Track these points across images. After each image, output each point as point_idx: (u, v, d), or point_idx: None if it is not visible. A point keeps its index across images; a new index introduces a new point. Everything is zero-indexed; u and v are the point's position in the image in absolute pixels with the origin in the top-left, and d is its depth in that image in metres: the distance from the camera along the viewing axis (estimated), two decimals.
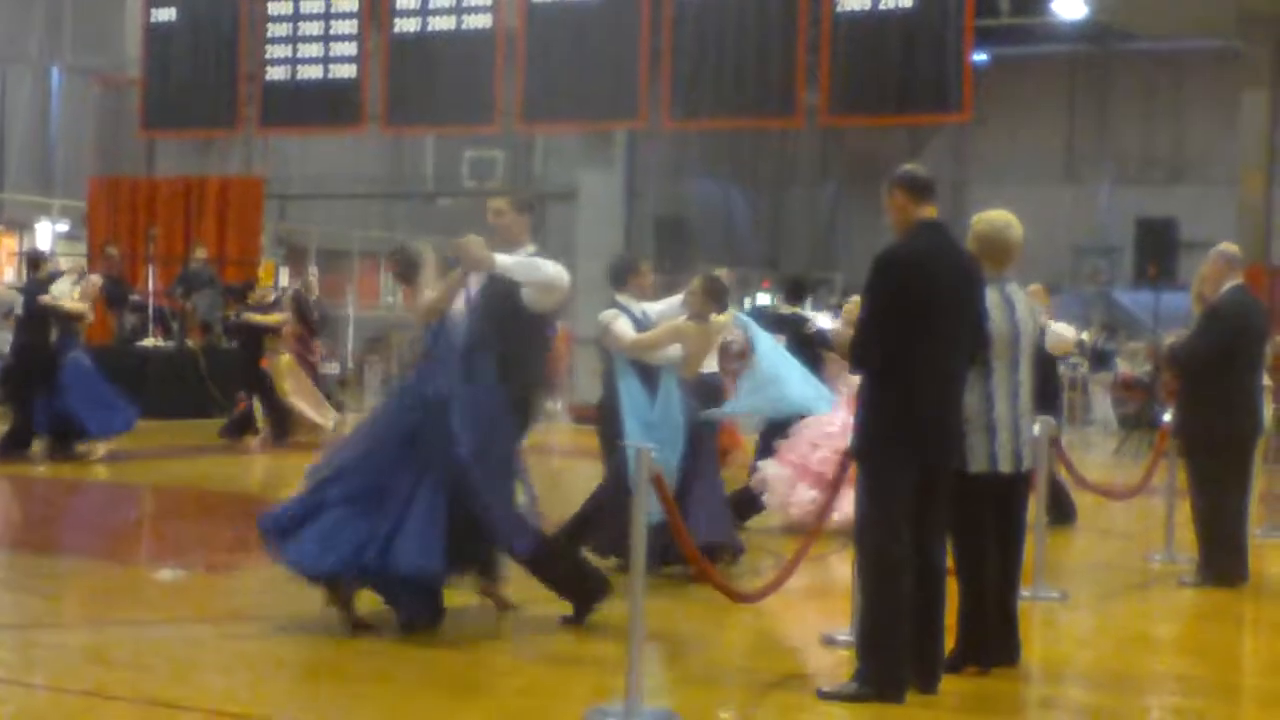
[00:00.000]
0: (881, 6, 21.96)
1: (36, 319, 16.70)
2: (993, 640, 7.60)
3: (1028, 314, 7.62)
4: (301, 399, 19.68)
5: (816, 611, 9.49)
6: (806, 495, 12.23)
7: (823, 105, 22.66)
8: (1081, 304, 35.45)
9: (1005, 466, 7.45)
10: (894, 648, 6.96)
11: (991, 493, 7.50)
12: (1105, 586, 11.06)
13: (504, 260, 8.70)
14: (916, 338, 6.98)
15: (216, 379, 22.23)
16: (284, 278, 28.41)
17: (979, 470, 7.41)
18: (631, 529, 6.82)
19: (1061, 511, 13.26)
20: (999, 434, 7.42)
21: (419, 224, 37.40)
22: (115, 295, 22.67)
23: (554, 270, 8.59)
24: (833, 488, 8.65)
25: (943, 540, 7.27)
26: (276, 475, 16.79)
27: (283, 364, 19.58)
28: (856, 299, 11.40)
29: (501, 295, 8.57)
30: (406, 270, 9.47)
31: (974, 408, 7.38)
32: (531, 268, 8.66)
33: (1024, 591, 8.21)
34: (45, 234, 30.54)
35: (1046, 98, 38.73)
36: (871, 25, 22.02)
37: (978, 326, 7.27)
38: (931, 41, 21.74)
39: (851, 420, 10.28)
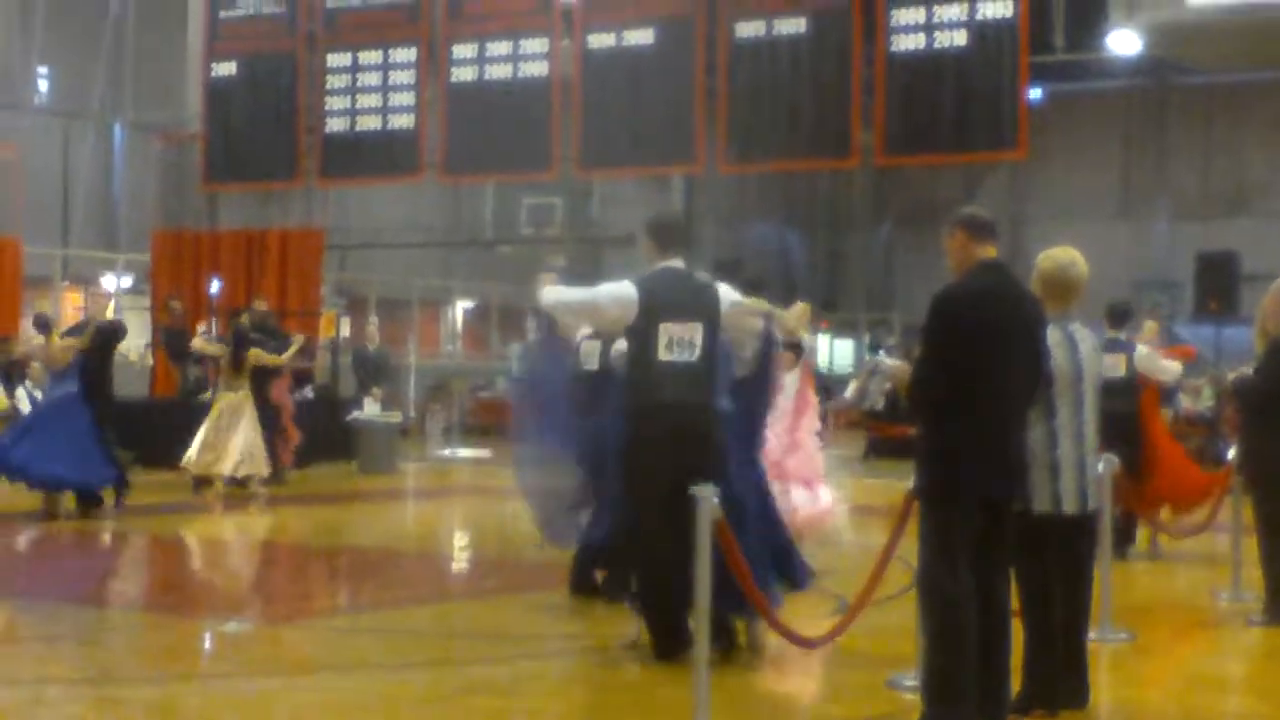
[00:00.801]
0: (936, 46, 22.01)
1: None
2: (1060, 682, 7.55)
3: (1091, 352, 7.60)
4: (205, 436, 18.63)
5: (881, 655, 9.46)
6: (801, 497, 12.14)
7: (878, 146, 22.70)
8: None
9: (1070, 507, 7.41)
10: (960, 691, 6.91)
11: (1056, 533, 7.46)
12: (1173, 627, 10.98)
13: None
14: (976, 377, 6.96)
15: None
16: (345, 328, 28.62)
17: (1043, 510, 7.37)
18: (696, 579, 6.83)
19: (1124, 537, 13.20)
20: (1063, 473, 7.38)
21: (478, 272, 37.70)
22: (178, 348, 22.87)
23: None
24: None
25: (1007, 580, 7.23)
26: (338, 526, 16.88)
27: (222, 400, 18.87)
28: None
29: None
30: None
31: (1038, 447, 7.35)
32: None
33: (1091, 633, 8.16)
34: (110, 289, 30.86)
35: (1103, 133, 38.61)
36: (926, 65, 22.06)
37: (1038, 365, 7.24)
38: (986, 80, 21.76)
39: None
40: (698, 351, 8.68)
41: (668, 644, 8.65)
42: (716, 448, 8.63)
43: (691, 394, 8.67)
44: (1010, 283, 7.25)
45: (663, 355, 8.65)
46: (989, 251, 7.22)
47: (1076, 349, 7.51)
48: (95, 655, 9.53)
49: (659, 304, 8.74)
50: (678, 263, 9.00)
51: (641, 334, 8.76)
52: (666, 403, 8.62)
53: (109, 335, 16.72)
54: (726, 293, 9.08)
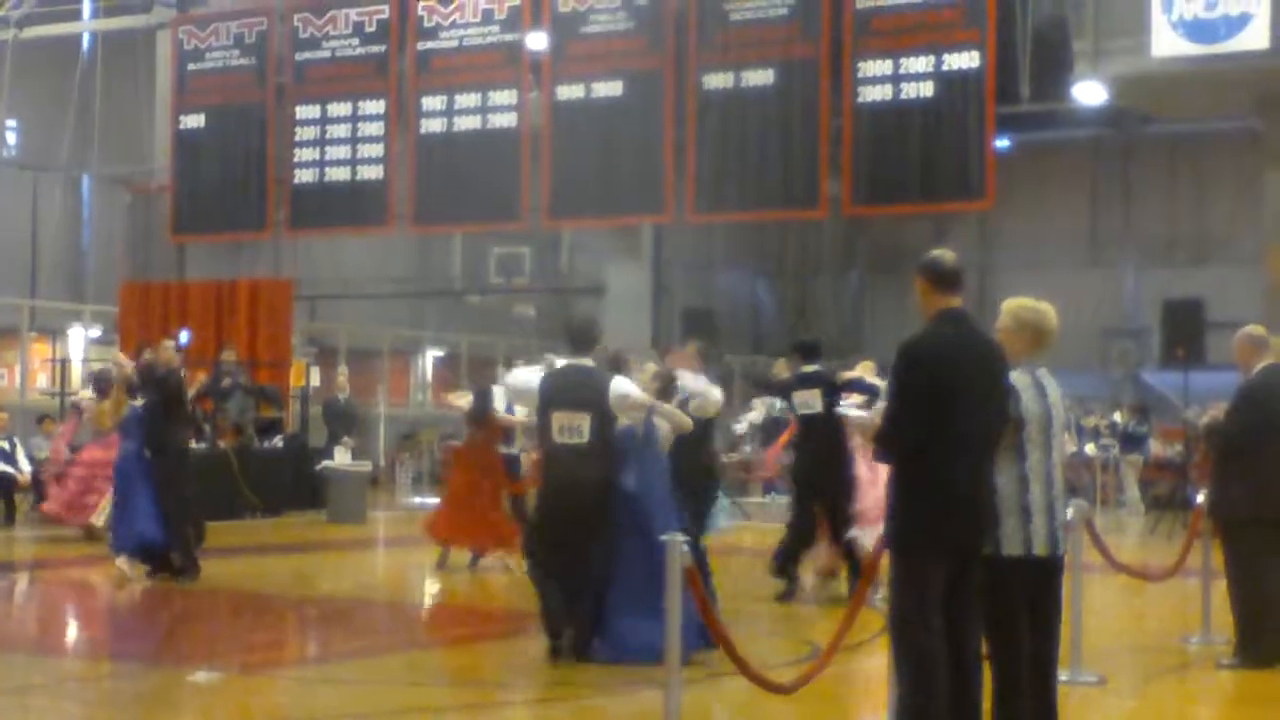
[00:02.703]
0: (903, 96, 22.17)
1: None
2: None
3: (1058, 398, 7.64)
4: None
5: (853, 700, 9.48)
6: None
7: (846, 196, 22.83)
8: (1110, 386, 35.37)
9: (1040, 550, 7.42)
10: None
11: (1026, 576, 7.47)
12: (1143, 670, 11.01)
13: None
14: (942, 426, 7.01)
15: (249, 480, 22.34)
16: (315, 377, 28.58)
17: (1013, 554, 7.38)
18: (668, 625, 6.85)
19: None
20: (1034, 517, 7.40)
21: (448, 322, 37.71)
22: None
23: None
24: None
25: (976, 625, 7.25)
26: (308, 575, 16.82)
27: None
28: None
29: None
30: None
31: (1007, 490, 7.37)
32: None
33: (1061, 675, 8.18)
34: (78, 340, 30.78)
35: (1069, 182, 38.80)
36: (893, 115, 22.22)
37: (1003, 412, 7.29)
38: (953, 130, 21.92)
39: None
40: (585, 436, 10.48)
41: (552, 648, 10.53)
42: (597, 511, 10.49)
43: (578, 469, 10.50)
44: (972, 331, 7.30)
45: (556, 439, 10.56)
46: (952, 301, 7.27)
47: (1044, 394, 7.55)
48: (64, 707, 9.48)
49: (552, 397, 10.64)
50: (585, 361, 10.79)
51: (542, 420, 10.74)
52: (559, 475, 10.61)
53: (168, 386, 15.46)
54: (616, 386, 10.67)
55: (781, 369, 15.59)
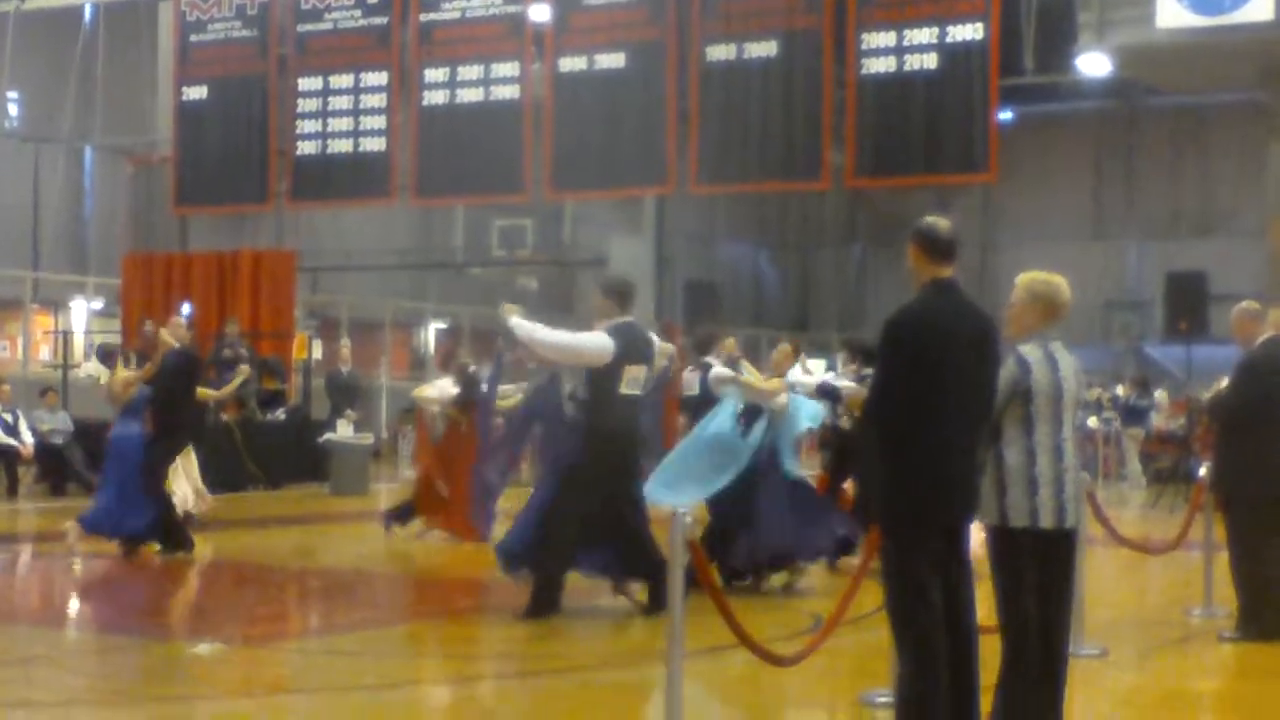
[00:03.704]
0: (906, 69, 22.12)
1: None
2: (1033, 698, 7.56)
3: (1071, 372, 7.56)
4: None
5: (854, 672, 9.49)
6: None
7: (849, 167, 22.80)
8: (1113, 359, 35.39)
9: (1047, 522, 7.36)
10: (933, 713, 6.93)
11: (1033, 548, 7.42)
12: (1145, 643, 11.02)
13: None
14: (928, 400, 6.94)
15: (252, 452, 22.36)
16: (317, 350, 28.59)
17: (1020, 525, 7.34)
18: (670, 600, 6.86)
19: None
20: (1040, 489, 7.34)
21: (450, 294, 37.71)
22: None
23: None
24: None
25: (969, 597, 7.23)
26: (311, 547, 16.84)
27: None
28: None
29: None
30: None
31: (1015, 462, 7.31)
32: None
33: None
34: (80, 312, 30.78)
35: (1073, 154, 38.80)
36: (896, 87, 22.17)
37: (992, 385, 7.23)
38: (956, 102, 21.88)
39: None
40: (640, 388, 11.42)
41: (549, 605, 11.21)
42: (640, 457, 11.80)
43: (636, 418, 11.45)
44: (961, 302, 7.19)
45: (623, 390, 11.25)
46: (944, 271, 7.17)
47: (1056, 367, 7.47)
48: (67, 679, 9.49)
49: (628, 351, 11.32)
50: (630, 318, 11.68)
51: (609, 374, 11.23)
52: (622, 426, 11.29)
53: (182, 366, 15.28)
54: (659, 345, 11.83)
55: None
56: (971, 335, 7.13)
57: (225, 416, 22.67)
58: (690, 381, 15.08)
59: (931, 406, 6.95)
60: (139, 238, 29.32)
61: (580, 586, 11.76)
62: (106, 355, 15.91)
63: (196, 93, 27.11)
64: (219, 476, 21.55)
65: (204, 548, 16.37)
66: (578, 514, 11.21)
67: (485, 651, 10.43)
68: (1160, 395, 28.95)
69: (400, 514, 17.25)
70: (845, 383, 13.40)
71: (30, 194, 31.16)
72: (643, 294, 25.29)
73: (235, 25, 26.90)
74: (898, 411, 6.98)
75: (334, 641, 11.11)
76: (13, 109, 32.46)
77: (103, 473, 15.74)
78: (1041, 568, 7.44)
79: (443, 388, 17.02)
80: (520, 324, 11.57)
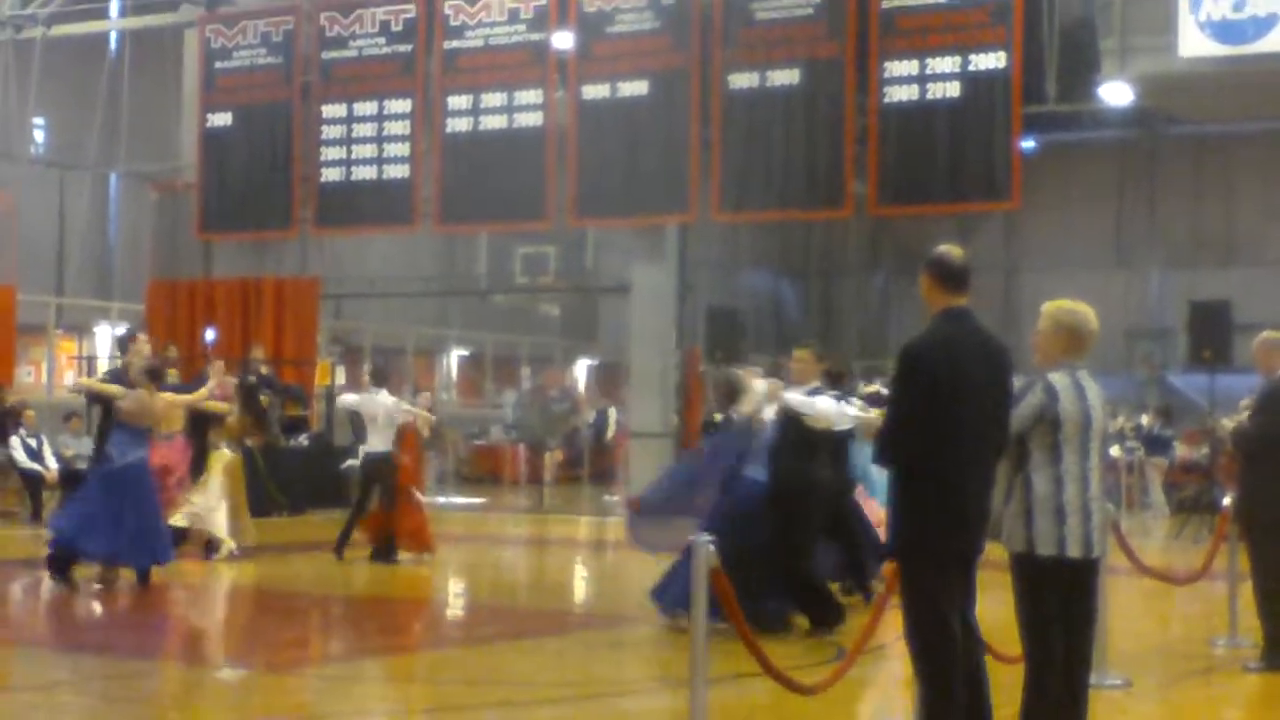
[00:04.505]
0: (929, 97, 22.15)
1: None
2: None
3: (1099, 401, 7.53)
4: (218, 508, 17.36)
5: (876, 702, 9.48)
6: None
7: (871, 196, 22.80)
8: (1135, 388, 35.29)
9: (1074, 551, 7.32)
10: None
11: (1060, 577, 7.37)
12: (1169, 673, 10.99)
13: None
14: (942, 429, 6.92)
15: (275, 478, 22.40)
16: (340, 376, 28.64)
17: (1046, 553, 7.29)
18: (693, 628, 6.86)
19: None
20: (1068, 518, 7.29)
21: (473, 320, 37.76)
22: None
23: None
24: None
25: (974, 626, 7.19)
26: (333, 573, 16.85)
27: (222, 460, 17.73)
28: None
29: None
30: (731, 394, 12.98)
31: (1043, 490, 7.27)
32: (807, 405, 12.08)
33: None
34: (104, 337, 30.87)
35: (1095, 183, 38.71)
36: (919, 116, 22.19)
37: (1006, 414, 7.20)
38: (979, 130, 21.89)
39: None
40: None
41: (834, 614, 11.95)
42: None
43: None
44: (974, 331, 7.17)
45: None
46: (958, 300, 7.16)
47: (1084, 396, 7.44)
48: (90, 703, 9.52)
49: None
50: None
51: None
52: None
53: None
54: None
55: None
56: (986, 364, 7.11)
57: (249, 442, 22.69)
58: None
59: (946, 436, 6.92)
60: (163, 264, 29.38)
61: (606, 611, 11.77)
62: (154, 374, 16.00)
63: (221, 119, 27.24)
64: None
65: (228, 574, 16.43)
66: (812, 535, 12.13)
67: (507, 678, 10.42)
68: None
69: (385, 552, 17.28)
70: (857, 411, 13.36)
71: (56, 220, 31.26)
72: (665, 321, 25.38)
73: (260, 53, 27.03)
74: (912, 441, 6.97)
75: (357, 668, 11.13)
76: (39, 135, 32.60)
77: (91, 486, 15.20)
78: (1066, 597, 7.40)
79: None
80: (799, 400, 12.05)
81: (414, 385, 19.45)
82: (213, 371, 18.16)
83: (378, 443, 17.57)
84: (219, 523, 17.27)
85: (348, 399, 19.25)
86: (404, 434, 17.85)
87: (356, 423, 23.75)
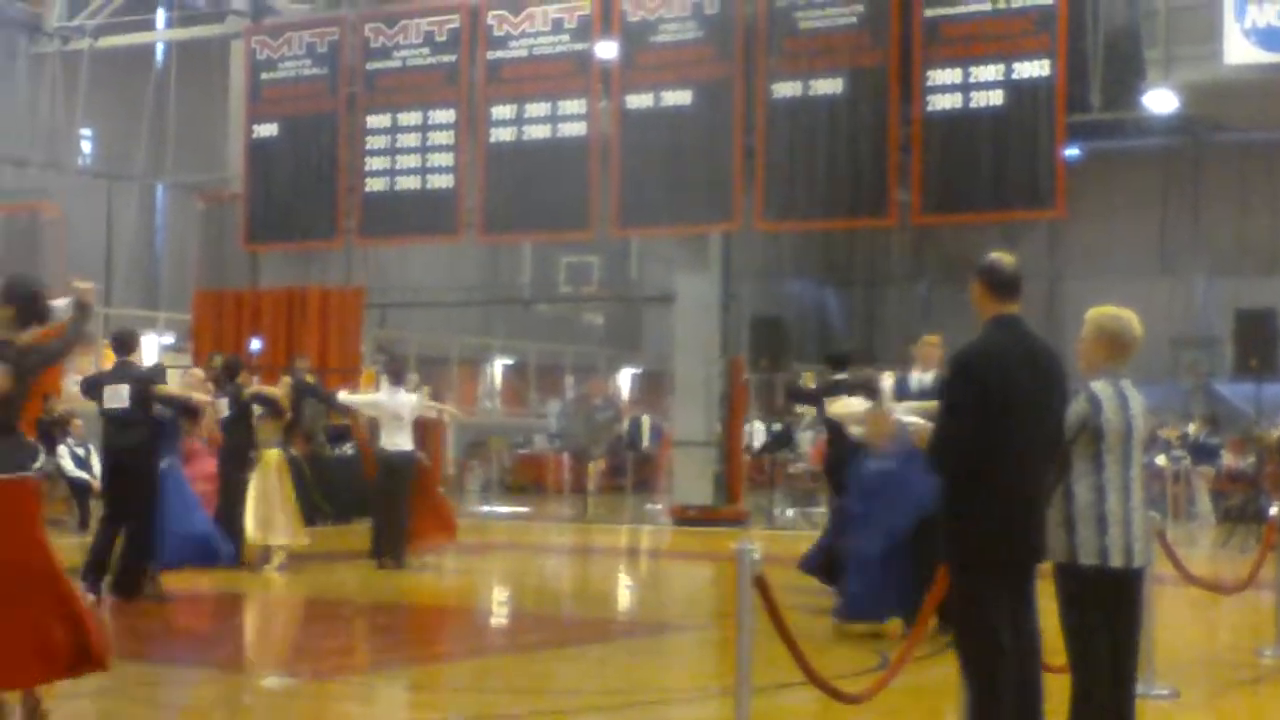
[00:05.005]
0: (973, 105, 22.12)
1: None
2: None
3: (1140, 409, 7.51)
4: (262, 510, 17.21)
5: (922, 711, 9.47)
6: None
7: (915, 205, 22.78)
8: (1181, 397, 35.11)
9: (1116, 561, 7.29)
10: None
11: (1103, 586, 7.35)
12: (1216, 683, 10.94)
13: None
14: (994, 437, 6.89)
15: (322, 487, 22.49)
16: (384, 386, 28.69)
17: (1089, 563, 7.27)
18: (739, 636, 6.87)
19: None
20: (1110, 528, 7.27)
21: (517, 330, 37.85)
22: None
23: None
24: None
25: (1035, 636, 7.16)
26: (378, 581, 16.91)
27: (270, 459, 17.56)
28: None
29: None
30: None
31: (1085, 499, 7.24)
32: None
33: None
34: (151, 347, 31.05)
35: (1140, 190, 38.54)
36: (963, 124, 22.17)
37: (1060, 422, 7.18)
38: (1023, 139, 21.84)
39: None
40: None
41: None
42: None
43: None
44: (1028, 338, 7.15)
45: None
46: (1009, 307, 7.15)
47: (1127, 405, 7.41)
48: (136, 710, 9.59)
49: None
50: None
51: None
52: None
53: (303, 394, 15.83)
54: None
55: (810, 380, 16.65)
56: (1037, 372, 7.08)
57: (294, 451, 22.79)
58: None
59: (997, 445, 6.90)
60: (210, 274, 29.56)
61: (649, 620, 11.79)
62: (234, 368, 16.43)
63: (267, 130, 27.40)
64: None
65: (275, 582, 16.50)
66: None
67: (553, 686, 10.46)
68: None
69: (395, 554, 17.33)
70: (912, 419, 13.38)
71: (103, 230, 31.48)
72: (709, 330, 25.39)
73: (305, 64, 27.18)
74: (963, 450, 6.95)
75: (402, 676, 11.18)
76: (86, 146, 32.85)
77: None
78: (1110, 607, 7.38)
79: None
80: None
81: (417, 381, 19.38)
82: (186, 382, 17.35)
83: (403, 441, 17.55)
84: (280, 529, 17.32)
85: (362, 398, 19.04)
86: (428, 431, 17.84)
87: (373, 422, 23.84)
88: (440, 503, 18.00)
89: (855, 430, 13.27)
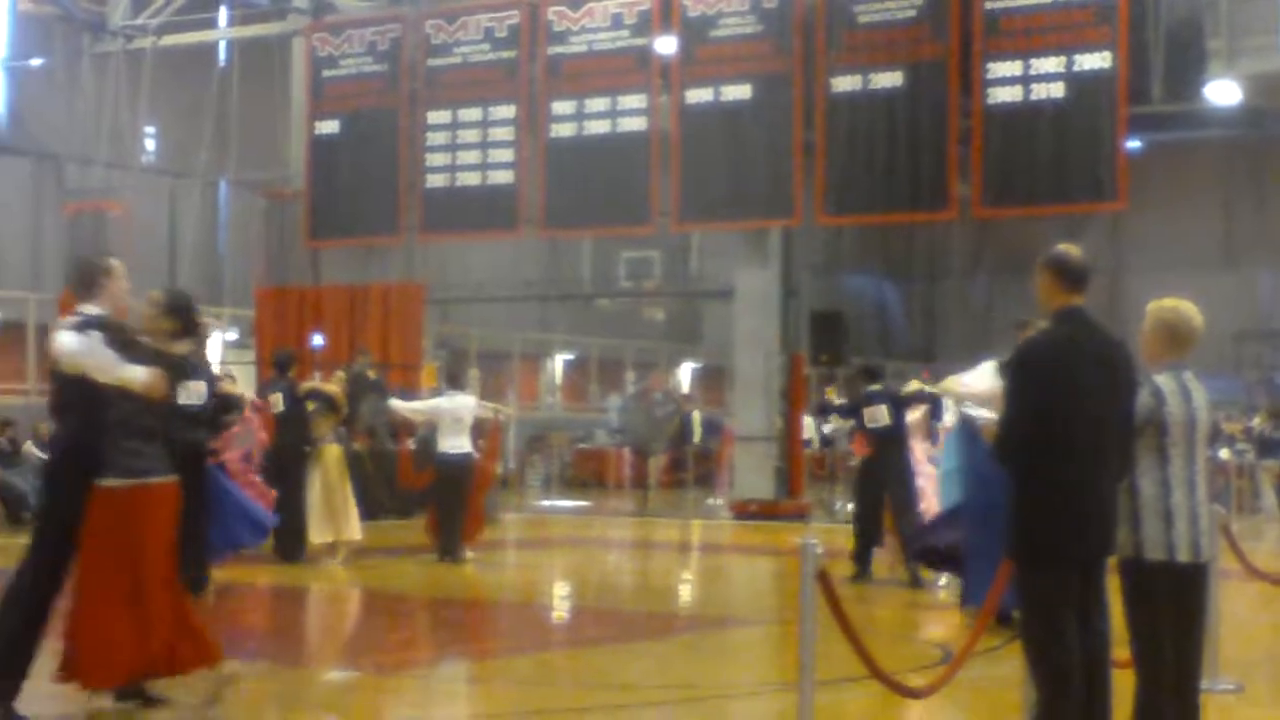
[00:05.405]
0: (1033, 97, 22.03)
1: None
2: None
3: (1203, 402, 7.45)
4: (325, 507, 17.41)
5: (986, 706, 9.45)
6: None
7: (975, 198, 22.71)
8: (1245, 391, 34.90)
9: (1183, 555, 7.23)
10: None
11: (1169, 582, 7.30)
12: None
13: None
14: (1061, 430, 6.86)
15: (384, 482, 22.60)
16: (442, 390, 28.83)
17: (1155, 558, 7.22)
18: (801, 630, 6.89)
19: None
20: (1176, 522, 7.21)
21: (577, 325, 37.94)
22: None
23: None
24: None
25: (1105, 633, 7.14)
26: (440, 576, 17.00)
27: (330, 455, 17.74)
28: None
29: None
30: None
31: (1150, 494, 7.18)
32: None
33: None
34: (215, 343, 31.28)
35: (1202, 182, 38.35)
36: (1023, 116, 22.08)
37: (1128, 415, 7.14)
38: (1084, 131, 21.73)
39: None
40: None
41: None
42: None
43: None
44: (1092, 330, 7.09)
45: None
46: (1075, 299, 7.10)
47: (1190, 398, 7.35)
48: (200, 704, 9.67)
49: None
50: None
51: None
52: None
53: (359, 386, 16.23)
54: None
55: (833, 395, 18.41)
56: (1104, 364, 7.04)
57: (355, 446, 22.92)
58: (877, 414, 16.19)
59: (1065, 437, 6.86)
60: (272, 270, 29.76)
61: (711, 615, 11.80)
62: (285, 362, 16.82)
63: (329, 127, 27.55)
64: None
65: (337, 577, 16.61)
66: None
67: (614, 681, 10.49)
68: None
69: (452, 549, 17.45)
70: (981, 412, 13.39)
71: (166, 228, 31.75)
72: (769, 325, 25.38)
73: (366, 61, 27.31)
74: (1030, 442, 6.91)
75: (464, 670, 11.24)
76: (150, 144, 33.11)
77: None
78: (1176, 602, 7.34)
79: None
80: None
81: (477, 377, 19.72)
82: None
83: (462, 443, 17.71)
84: (343, 525, 17.46)
85: (421, 406, 19.02)
86: (486, 432, 18.02)
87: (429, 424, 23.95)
88: (478, 504, 18.28)
89: (979, 413, 13.40)
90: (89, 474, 8.26)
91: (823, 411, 18.02)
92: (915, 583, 15.33)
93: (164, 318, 9.42)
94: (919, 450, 16.29)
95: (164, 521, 8.52)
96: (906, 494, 15.91)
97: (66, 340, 8.20)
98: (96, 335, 8.20)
